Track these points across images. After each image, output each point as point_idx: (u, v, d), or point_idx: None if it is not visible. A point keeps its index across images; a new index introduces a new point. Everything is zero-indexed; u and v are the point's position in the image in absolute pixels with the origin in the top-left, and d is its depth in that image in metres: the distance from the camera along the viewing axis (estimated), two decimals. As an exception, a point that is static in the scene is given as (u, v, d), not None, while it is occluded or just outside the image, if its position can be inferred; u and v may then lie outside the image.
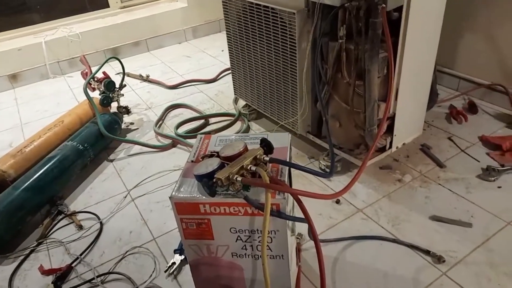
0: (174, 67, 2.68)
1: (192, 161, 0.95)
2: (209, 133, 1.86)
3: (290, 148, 0.99)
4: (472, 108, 1.80)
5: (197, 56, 2.83)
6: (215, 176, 0.80)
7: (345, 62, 1.31)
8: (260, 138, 0.89)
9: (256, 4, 1.51)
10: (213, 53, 2.84)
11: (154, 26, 2.96)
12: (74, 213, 1.47)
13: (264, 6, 1.48)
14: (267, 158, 0.85)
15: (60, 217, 1.46)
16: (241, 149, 0.88)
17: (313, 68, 1.44)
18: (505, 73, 1.76)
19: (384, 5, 1.11)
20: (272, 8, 1.44)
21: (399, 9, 1.20)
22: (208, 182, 0.80)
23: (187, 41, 3.13)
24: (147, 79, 2.49)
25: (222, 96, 2.23)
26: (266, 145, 0.88)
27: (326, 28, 1.33)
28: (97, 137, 1.74)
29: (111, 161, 1.77)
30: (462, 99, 1.91)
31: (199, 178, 0.84)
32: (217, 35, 3.19)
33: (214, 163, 0.85)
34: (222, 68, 2.53)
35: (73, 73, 2.74)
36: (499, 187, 1.39)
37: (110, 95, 1.90)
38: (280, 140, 0.99)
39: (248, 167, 0.82)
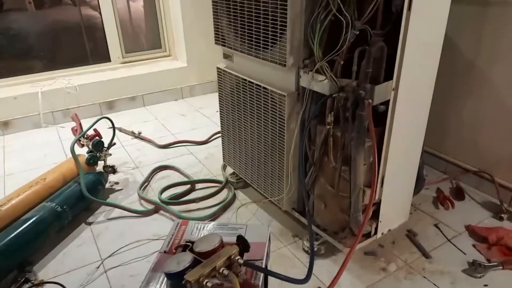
0: (167, 125, 2.69)
1: (165, 252, 0.91)
2: (194, 201, 1.83)
3: (269, 243, 0.95)
4: (459, 193, 1.80)
5: (192, 115, 2.86)
6: (185, 277, 0.76)
7: (331, 147, 1.32)
8: (237, 235, 0.87)
9: (249, 82, 1.55)
10: (208, 113, 2.87)
11: (152, 83, 3.02)
12: (42, 283, 1.39)
13: (257, 85, 1.51)
14: (241, 261, 0.81)
15: (27, 286, 1.38)
16: (216, 245, 0.84)
17: (300, 149, 1.45)
18: (492, 161, 1.78)
19: (370, 101, 1.13)
20: (264, 88, 1.48)
21: (386, 102, 1.23)
22: (177, 284, 0.76)
23: (183, 99, 3.18)
24: (138, 136, 2.49)
25: (212, 160, 2.22)
26: (242, 243, 0.85)
27: (315, 111, 1.35)
28: (78, 198, 1.70)
29: (89, 224, 1.71)
30: (449, 182, 1.91)
31: (169, 276, 0.80)
32: (214, 94, 3.25)
33: (186, 259, 0.81)
34: (215, 129, 2.55)
35: (66, 123, 2.74)
36: (485, 285, 1.34)
37: (98, 154, 1.89)
38: (259, 233, 0.96)
39: (221, 270, 0.78)
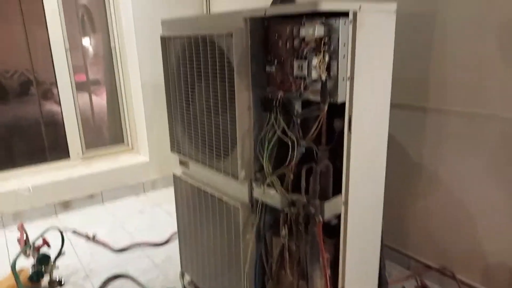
0: (125, 224, 2.58)
1: None
2: (147, 318, 1.68)
3: None
4: (424, 293, 1.76)
5: (151, 211, 2.77)
6: None
7: (288, 261, 1.28)
8: None
9: (204, 191, 1.53)
10: (168, 209, 2.80)
11: (112, 179, 2.95)
12: None
13: (211, 195, 1.49)
14: None
15: None
16: None
17: (255, 262, 1.39)
18: (451, 258, 1.78)
19: (320, 218, 1.13)
20: (219, 198, 1.46)
21: (338, 215, 1.23)
22: None
23: (145, 193, 3.11)
24: (93, 239, 2.35)
25: (169, 264, 2.10)
26: None
27: (269, 223, 1.33)
28: (14, 324, 1.52)
29: None
30: (414, 280, 1.87)
31: None
32: (176, 187, 3.20)
33: None
34: (175, 228, 2.46)
35: (15, 226, 2.57)
36: None
37: (43, 269, 1.74)
38: None
39: None
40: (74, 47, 2.92)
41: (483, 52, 1.53)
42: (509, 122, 1.50)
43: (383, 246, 1.49)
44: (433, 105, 1.73)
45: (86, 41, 3.12)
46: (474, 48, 1.56)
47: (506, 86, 1.49)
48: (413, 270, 1.93)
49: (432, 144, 1.77)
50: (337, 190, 1.22)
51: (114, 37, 3.04)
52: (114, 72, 3.13)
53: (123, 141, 3.27)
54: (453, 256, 1.78)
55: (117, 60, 3.09)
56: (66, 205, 2.76)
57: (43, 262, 1.75)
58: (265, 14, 1.17)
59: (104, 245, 2.30)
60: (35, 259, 1.73)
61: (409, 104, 1.82)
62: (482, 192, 1.63)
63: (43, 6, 2.69)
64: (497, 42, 1.49)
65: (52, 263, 1.78)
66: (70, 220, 2.66)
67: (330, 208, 1.17)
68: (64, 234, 1.94)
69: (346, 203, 1.20)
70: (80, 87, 3.03)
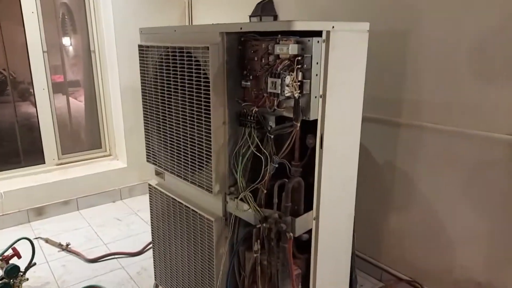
0: (100, 233, 2.53)
1: None
2: (118, 331, 1.65)
3: None
4: (396, 305, 1.78)
5: (128, 219, 2.73)
6: None
7: (260, 276, 1.28)
8: None
9: (179, 202, 1.52)
10: (145, 217, 2.76)
11: (89, 185, 2.90)
12: None
13: (186, 207, 1.49)
14: None
15: None
16: None
17: (227, 277, 1.39)
18: (423, 271, 1.82)
19: (291, 234, 1.14)
20: (193, 210, 1.45)
21: (309, 231, 1.24)
22: None
23: (122, 200, 3.06)
24: (66, 249, 2.30)
25: (144, 275, 2.07)
26: None
27: (242, 237, 1.33)
28: None
29: None
30: (386, 291, 1.90)
31: None
32: (154, 194, 3.16)
33: None
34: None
35: (-15, 234, 2.49)
36: None
37: (11, 281, 1.69)
38: None
39: None
40: (53, 45, 2.86)
41: (454, 70, 1.57)
42: (482, 140, 1.54)
43: (354, 258, 1.51)
44: (407, 120, 1.76)
45: (66, 41, 3.06)
46: (446, 66, 1.60)
47: (477, 104, 1.53)
48: (384, 282, 1.95)
49: (407, 159, 1.80)
50: (310, 205, 1.23)
51: (93, 40, 3.00)
52: (93, 76, 3.08)
53: (100, 146, 3.21)
54: (424, 269, 1.81)
55: (96, 64, 3.05)
56: (39, 212, 2.70)
57: (12, 274, 1.69)
58: (241, 29, 1.18)
59: (78, 254, 2.25)
60: (4, 270, 1.68)
61: (384, 118, 1.85)
62: (455, 209, 1.67)
63: (21, 8, 2.63)
64: (468, 60, 1.53)
65: (21, 275, 1.73)
66: (44, 227, 2.60)
67: (302, 224, 1.18)
68: (36, 243, 1.89)
69: (317, 218, 1.21)
70: (59, 88, 2.97)
